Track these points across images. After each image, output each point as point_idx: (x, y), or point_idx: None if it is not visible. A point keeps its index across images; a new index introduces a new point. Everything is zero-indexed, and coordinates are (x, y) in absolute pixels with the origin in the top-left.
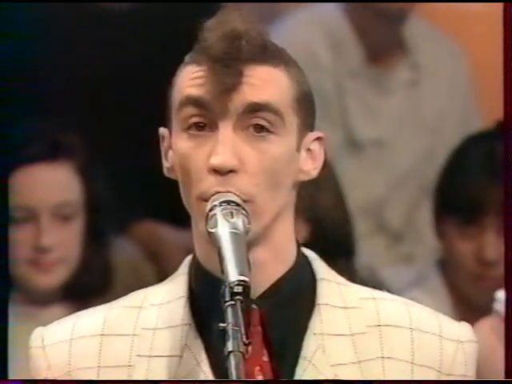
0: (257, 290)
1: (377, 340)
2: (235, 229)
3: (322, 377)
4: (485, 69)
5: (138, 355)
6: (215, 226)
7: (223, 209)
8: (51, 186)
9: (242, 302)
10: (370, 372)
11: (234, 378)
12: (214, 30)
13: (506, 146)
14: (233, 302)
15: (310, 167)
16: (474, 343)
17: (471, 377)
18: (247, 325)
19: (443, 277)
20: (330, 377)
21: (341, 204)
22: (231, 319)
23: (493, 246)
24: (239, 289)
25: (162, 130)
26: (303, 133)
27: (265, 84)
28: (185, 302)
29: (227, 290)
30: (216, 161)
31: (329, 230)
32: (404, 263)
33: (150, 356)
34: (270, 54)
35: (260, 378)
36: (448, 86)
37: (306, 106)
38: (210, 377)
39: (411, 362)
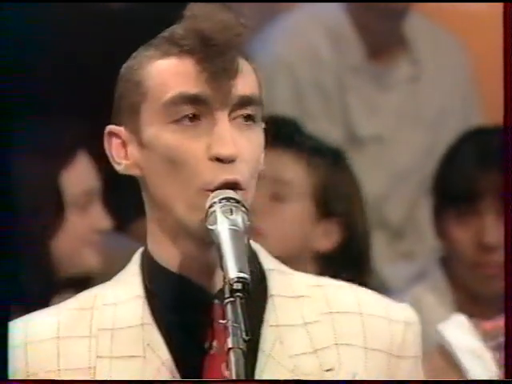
0: (218, 284)
1: (329, 327)
2: (235, 225)
3: (283, 368)
4: (485, 65)
5: (98, 356)
6: (215, 222)
7: (223, 205)
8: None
9: (241, 299)
10: (326, 360)
11: (234, 375)
12: (207, 17)
13: (506, 144)
14: (232, 299)
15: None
16: (419, 324)
17: (420, 356)
18: (211, 321)
19: (444, 272)
20: (290, 368)
21: (365, 217)
22: (231, 316)
23: (491, 230)
24: (239, 286)
25: (113, 128)
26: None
27: (249, 76)
28: (142, 302)
29: (227, 286)
30: (225, 151)
31: (356, 240)
32: (405, 260)
33: (111, 357)
34: (243, 47)
35: (227, 374)
36: (448, 83)
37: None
38: (176, 376)
39: (364, 347)
